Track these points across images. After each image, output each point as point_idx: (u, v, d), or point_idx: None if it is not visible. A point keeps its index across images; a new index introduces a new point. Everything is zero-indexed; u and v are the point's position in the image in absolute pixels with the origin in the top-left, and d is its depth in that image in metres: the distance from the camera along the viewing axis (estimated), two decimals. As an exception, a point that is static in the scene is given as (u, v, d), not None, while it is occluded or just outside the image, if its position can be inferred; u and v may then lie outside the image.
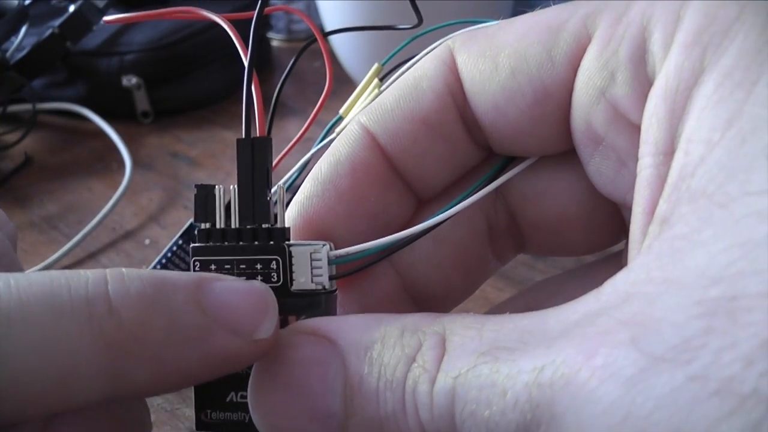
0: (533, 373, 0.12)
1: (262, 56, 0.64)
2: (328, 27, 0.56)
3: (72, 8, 0.54)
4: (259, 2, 0.18)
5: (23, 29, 0.54)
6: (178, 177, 0.49)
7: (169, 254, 0.31)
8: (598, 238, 0.20)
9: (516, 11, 0.54)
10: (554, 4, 0.18)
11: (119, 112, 0.55)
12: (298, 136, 0.23)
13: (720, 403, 0.10)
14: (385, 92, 0.19)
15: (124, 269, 0.14)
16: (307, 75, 0.61)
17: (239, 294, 0.15)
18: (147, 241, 0.42)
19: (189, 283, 0.15)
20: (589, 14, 0.16)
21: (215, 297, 0.15)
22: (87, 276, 0.14)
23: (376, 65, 0.25)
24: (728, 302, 0.11)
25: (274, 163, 0.25)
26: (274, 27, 0.71)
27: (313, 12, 0.71)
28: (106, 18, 0.20)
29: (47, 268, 0.40)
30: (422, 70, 0.19)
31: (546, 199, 0.19)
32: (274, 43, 0.71)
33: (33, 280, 0.13)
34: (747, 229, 0.11)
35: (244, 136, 0.17)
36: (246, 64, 0.17)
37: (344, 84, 0.58)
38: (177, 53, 0.55)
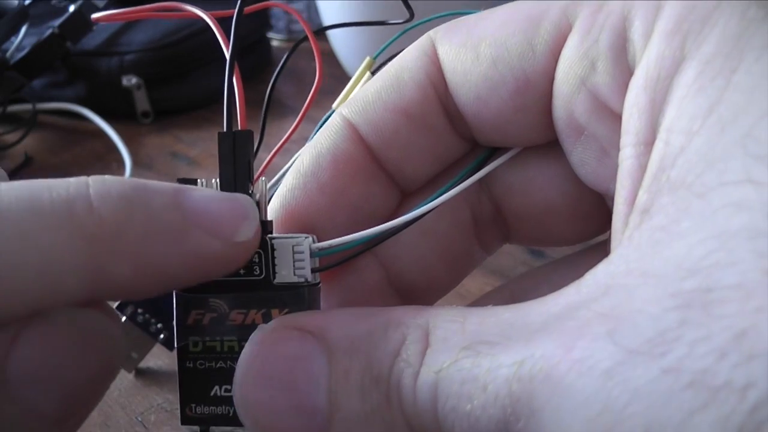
0: (513, 367, 0.12)
1: (262, 56, 0.64)
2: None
3: (72, 8, 0.54)
4: None
5: (23, 29, 0.54)
6: (177, 177, 0.49)
7: None
8: (584, 228, 0.20)
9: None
10: None
11: (119, 112, 0.55)
12: (289, 132, 0.23)
13: (693, 396, 0.10)
14: (367, 84, 0.19)
15: (106, 176, 0.14)
16: (307, 75, 0.61)
17: (217, 200, 0.15)
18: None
19: (168, 188, 0.15)
20: (570, 3, 0.16)
21: (194, 201, 0.15)
22: (68, 181, 0.14)
23: (367, 59, 0.25)
24: (703, 294, 0.11)
25: (267, 160, 0.25)
26: (274, 27, 0.71)
27: (313, 12, 0.71)
28: (95, 15, 0.20)
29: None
30: (404, 62, 0.19)
31: (530, 190, 0.19)
32: (274, 43, 0.71)
33: (13, 184, 0.14)
34: (723, 220, 0.11)
35: (225, 130, 0.17)
36: (227, 57, 0.17)
37: (343, 82, 0.58)
38: (177, 53, 0.55)
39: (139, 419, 0.29)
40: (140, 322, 0.31)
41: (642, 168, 0.14)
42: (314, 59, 0.23)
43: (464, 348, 0.13)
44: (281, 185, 0.19)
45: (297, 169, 0.19)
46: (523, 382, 0.12)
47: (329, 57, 0.59)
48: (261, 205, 0.17)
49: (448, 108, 0.18)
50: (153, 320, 0.31)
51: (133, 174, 0.47)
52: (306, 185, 0.19)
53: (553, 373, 0.12)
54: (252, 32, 0.62)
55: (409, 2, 0.23)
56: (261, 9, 0.70)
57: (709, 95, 0.13)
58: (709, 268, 0.11)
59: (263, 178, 0.17)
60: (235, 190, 0.17)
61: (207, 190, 0.16)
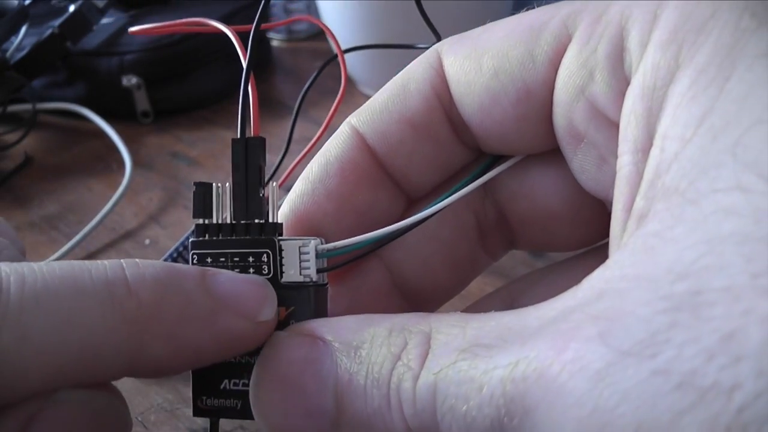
0: (508, 368, 0.12)
1: (262, 56, 0.64)
2: (328, 27, 0.56)
3: (72, 8, 0.54)
4: (260, 8, 0.18)
5: (23, 29, 0.54)
6: (178, 177, 0.49)
7: (175, 254, 0.32)
8: (586, 233, 0.20)
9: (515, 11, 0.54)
10: (537, 6, 0.18)
11: (119, 112, 0.55)
12: (311, 143, 0.23)
13: (682, 397, 0.10)
14: (375, 94, 0.20)
15: (137, 259, 0.16)
16: (308, 75, 0.61)
17: (241, 283, 0.17)
18: (147, 241, 0.42)
19: (196, 272, 0.16)
20: (569, 14, 0.17)
21: (221, 284, 0.16)
22: (104, 263, 0.15)
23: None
24: (693, 297, 0.11)
25: (290, 168, 0.25)
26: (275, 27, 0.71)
27: (313, 12, 0.71)
28: (132, 29, 0.22)
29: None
30: (410, 73, 0.19)
31: (533, 196, 0.20)
32: (274, 43, 0.71)
33: (56, 265, 0.15)
34: (714, 226, 0.11)
35: (239, 136, 0.18)
36: (244, 66, 0.18)
37: (347, 87, 0.58)
38: (177, 53, 0.55)
39: (139, 419, 0.29)
40: None
41: (639, 175, 0.14)
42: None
43: (463, 351, 0.13)
44: (291, 191, 0.20)
45: (306, 176, 0.20)
46: (517, 382, 0.12)
47: (330, 56, 0.59)
48: (271, 208, 0.18)
49: (453, 118, 0.19)
50: None
51: (133, 174, 0.47)
52: (314, 191, 0.19)
53: (546, 373, 0.12)
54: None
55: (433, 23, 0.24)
56: (262, 10, 0.70)
57: (702, 103, 0.13)
58: (699, 272, 0.11)
59: (274, 183, 0.18)
60: (246, 194, 0.18)
61: (231, 273, 0.17)
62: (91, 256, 0.41)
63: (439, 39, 0.20)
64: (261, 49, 0.64)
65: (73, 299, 0.14)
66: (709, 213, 0.12)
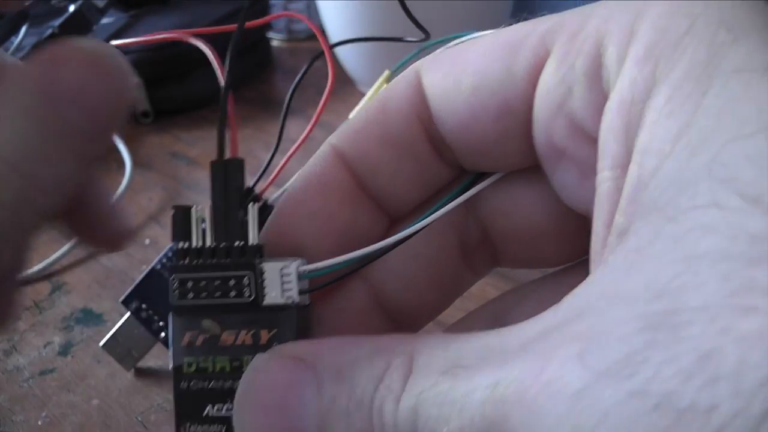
0: (488, 389, 0.12)
1: (262, 56, 0.64)
2: (329, 27, 0.56)
3: (72, 8, 0.54)
4: (239, 20, 0.18)
5: (23, 29, 0.54)
6: (177, 177, 0.49)
7: (159, 266, 0.31)
8: (571, 249, 0.20)
9: (515, 12, 0.54)
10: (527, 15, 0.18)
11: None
12: (300, 140, 0.23)
13: (659, 418, 0.10)
14: (357, 112, 0.20)
15: None
16: (308, 75, 0.61)
17: None
18: (147, 241, 0.42)
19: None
20: (547, 30, 0.17)
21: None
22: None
23: (386, 72, 0.26)
24: (670, 316, 0.11)
25: (279, 167, 0.25)
26: (275, 27, 0.71)
27: (313, 12, 0.71)
28: (114, 42, 0.22)
29: (47, 267, 0.40)
30: (390, 92, 0.19)
31: (516, 213, 0.20)
32: (274, 43, 0.71)
33: None
34: (692, 243, 0.11)
35: (217, 159, 0.18)
36: (222, 85, 0.18)
37: (345, 85, 0.58)
38: (176, 53, 0.55)
39: (139, 419, 0.29)
40: (143, 318, 0.31)
41: (619, 190, 0.14)
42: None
43: (443, 372, 0.13)
44: (273, 212, 0.20)
45: (287, 196, 0.20)
46: (497, 404, 0.12)
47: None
48: (251, 230, 0.18)
49: (433, 136, 0.19)
50: (156, 317, 0.31)
51: (133, 174, 0.47)
52: (295, 212, 0.19)
53: (526, 394, 0.12)
54: (252, 32, 0.62)
55: (421, 21, 0.24)
56: (261, 9, 0.70)
57: (680, 119, 0.13)
58: (677, 291, 0.11)
59: (253, 204, 0.18)
60: (226, 217, 0.18)
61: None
62: (91, 256, 0.41)
63: (427, 35, 0.20)
64: (261, 49, 0.64)
65: None
66: (687, 230, 0.12)
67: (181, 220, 0.18)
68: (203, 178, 0.49)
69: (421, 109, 0.19)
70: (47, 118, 0.16)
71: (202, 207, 0.18)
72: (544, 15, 0.17)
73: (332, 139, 0.20)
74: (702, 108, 0.13)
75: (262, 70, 0.63)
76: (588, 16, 0.16)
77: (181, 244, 0.18)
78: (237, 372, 0.17)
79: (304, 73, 0.25)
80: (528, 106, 0.17)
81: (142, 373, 0.32)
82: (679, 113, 0.13)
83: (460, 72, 0.18)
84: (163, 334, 0.31)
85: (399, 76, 0.19)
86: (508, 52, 0.17)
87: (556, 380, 0.11)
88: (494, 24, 0.19)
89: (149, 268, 0.31)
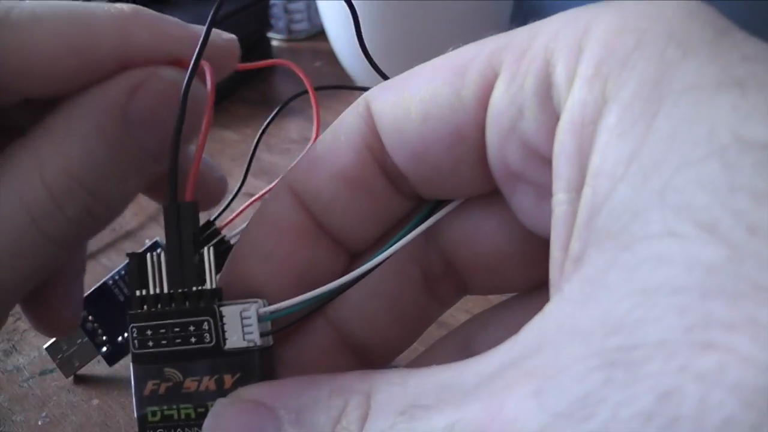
0: (445, 431, 0.12)
1: (262, 56, 0.64)
2: (328, 27, 0.56)
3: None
4: (194, 57, 0.18)
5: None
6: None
7: (110, 282, 0.32)
8: (538, 272, 0.19)
9: (515, 12, 0.54)
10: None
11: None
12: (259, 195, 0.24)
13: None
14: (310, 146, 0.19)
15: None
16: (308, 75, 0.61)
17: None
18: (147, 242, 0.42)
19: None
20: (493, 51, 0.16)
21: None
22: None
23: None
24: (627, 352, 0.11)
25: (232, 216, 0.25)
26: (274, 27, 0.71)
27: (313, 12, 0.71)
28: None
29: (47, 267, 0.40)
30: (341, 125, 0.19)
31: (477, 239, 0.19)
32: (274, 43, 0.71)
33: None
34: (647, 274, 0.11)
35: (169, 201, 0.18)
36: (176, 122, 0.17)
37: (343, 82, 0.58)
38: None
39: (139, 419, 0.29)
40: (88, 330, 0.31)
41: (574, 214, 0.14)
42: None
43: (400, 413, 0.13)
44: (231, 254, 0.20)
45: (244, 239, 0.19)
46: None
47: (330, 56, 0.59)
48: (208, 274, 0.18)
49: (387, 167, 0.18)
50: (100, 330, 0.31)
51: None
52: (251, 253, 0.19)
53: None
54: (252, 32, 0.62)
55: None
56: (261, 9, 0.70)
57: (631, 141, 0.12)
58: (632, 325, 0.11)
59: (208, 247, 0.18)
60: (181, 260, 0.17)
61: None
62: (91, 256, 0.41)
63: (385, 79, 0.20)
64: (261, 49, 0.64)
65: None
66: (642, 260, 0.11)
67: (137, 267, 0.18)
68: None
69: (372, 141, 0.18)
70: (120, 140, 0.18)
71: (157, 253, 0.18)
72: (536, 18, 0.17)
73: (287, 176, 0.19)
74: (653, 129, 0.12)
75: (262, 70, 0.63)
76: (535, 34, 0.15)
77: (137, 293, 0.18)
78: (202, 418, 0.17)
79: (272, 119, 0.25)
80: (480, 131, 0.16)
81: (83, 380, 0.32)
82: (630, 135, 0.12)
83: (409, 99, 0.17)
84: (104, 349, 0.31)
85: (351, 106, 0.19)
86: (456, 75, 0.16)
87: (512, 421, 0.11)
88: (494, 26, 0.19)
89: (101, 282, 0.32)
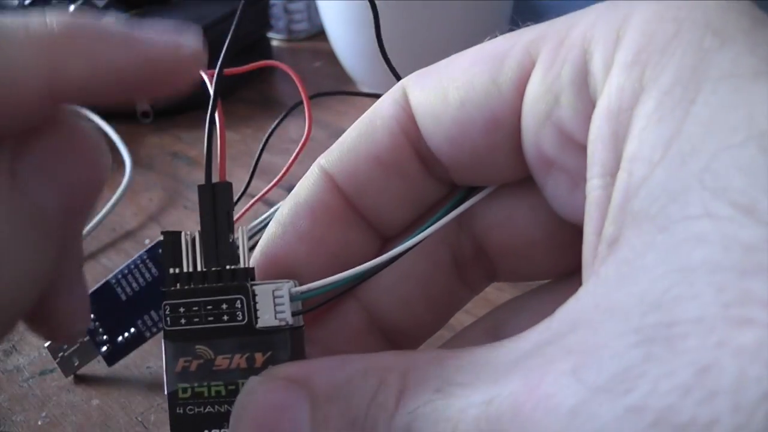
0: (482, 406, 0.12)
1: (262, 56, 0.64)
2: (328, 27, 0.56)
3: (72, 8, 0.54)
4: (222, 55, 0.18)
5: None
6: (178, 177, 0.49)
7: (133, 266, 0.32)
8: (569, 260, 0.19)
9: (516, 13, 0.54)
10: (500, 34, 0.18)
11: (119, 112, 0.55)
12: (300, 144, 0.23)
13: None
14: (345, 133, 0.20)
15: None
16: (307, 75, 0.61)
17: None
18: (147, 241, 0.42)
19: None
20: (532, 40, 0.16)
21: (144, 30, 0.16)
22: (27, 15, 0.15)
23: None
24: (666, 329, 0.11)
25: (284, 170, 0.25)
26: (274, 27, 0.71)
27: (313, 12, 0.71)
28: None
29: (47, 267, 0.40)
30: (377, 111, 0.19)
31: (509, 226, 0.20)
32: (275, 43, 0.71)
33: None
34: (685, 254, 0.11)
35: (204, 182, 0.18)
36: (209, 112, 0.18)
37: (344, 84, 0.58)
38: (176, 53, 0.55)
39: (139, 419, 0.29)
40: (89, 329, 0.31)
41: (609, 198, 0.14)
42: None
43: (438, 389, 0.13)
44: (263, 235, 0.20)
45: (277, 219, 0.20)
46: (491, 421, 0.12)
47: (329, 56, 0.59)
48: (242, 253, 0.18)
49: (422, 152, 0.19)
50: (101, 330, 0.31)
51: (133, 174, 0.47)
52: (285, 234, 0.19)
53: (520, 411, 0.12)
54: (252, 32, 0.62)
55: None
56: (262, 9, 0.70)
57: (669, 126, 0.13)
58: (671, 302, 0.11)
59: (243, 227, 0.18)
60: (216, 241, 0.18)
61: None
62: (91, 256, 0.41)
63: (398, 79, 0.20)
64: (261, 49, 0.64)
65: None
66: (680, 241, 0.11)
67: (171, 246, 0.18)
68: (203, 177, 0.49)
69: (408, 126, 0.18)
70: (16, 204, 0.15)
71: (191, 231, 0.18)
72: (536, 19, 0.17)
73: (321, 159, 0.19)
74: (691, 115, 0.13)
75: (262, 70, 0.63)
76: (573, 24, 0.16)
77: (171, 270, 0.18)
78: (233, 395, 0.17)
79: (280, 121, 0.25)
80: (516, 118, 0.17)
81: (83, 380, 0.32)
82: (668, 120, 0.13)
83: (446, 86, 0.18)
84: (104, 348, 0.31)
85: (387, 93, 0.19)
86: (494, 63, 0.17)
87: (551, 396, 0.11)
88: (494, 26, 0.19)
89: (103, 281, 0.31)
